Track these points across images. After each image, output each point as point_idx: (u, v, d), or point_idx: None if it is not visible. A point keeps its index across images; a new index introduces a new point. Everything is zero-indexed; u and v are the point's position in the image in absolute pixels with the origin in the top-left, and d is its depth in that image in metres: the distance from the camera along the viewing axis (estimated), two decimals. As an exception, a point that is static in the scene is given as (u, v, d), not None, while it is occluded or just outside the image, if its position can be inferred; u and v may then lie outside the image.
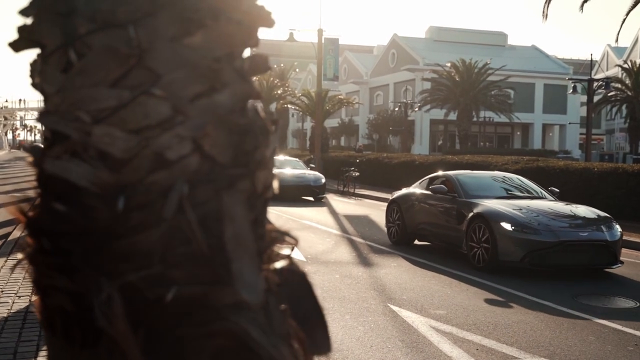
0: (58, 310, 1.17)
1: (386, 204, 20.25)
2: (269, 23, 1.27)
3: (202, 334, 1.13)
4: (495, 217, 8.67)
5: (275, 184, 1.26)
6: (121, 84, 1.10)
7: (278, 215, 14.93)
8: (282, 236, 1.28)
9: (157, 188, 1.11)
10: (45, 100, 1.19)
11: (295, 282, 1.34)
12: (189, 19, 1.14)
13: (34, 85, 1.19)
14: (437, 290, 7.12)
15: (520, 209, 8.89)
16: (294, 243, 1.28)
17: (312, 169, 22.20)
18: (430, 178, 11.34)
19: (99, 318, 1.08)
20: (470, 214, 9.09)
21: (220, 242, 1.12)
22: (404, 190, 11.80)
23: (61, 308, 1.16)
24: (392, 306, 6.23)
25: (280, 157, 23.84)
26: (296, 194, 20.00)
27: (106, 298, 1.08)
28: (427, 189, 10.93)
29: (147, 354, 1.10)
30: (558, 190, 11.04)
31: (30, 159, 1.18)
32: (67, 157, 1.11)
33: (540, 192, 10.60)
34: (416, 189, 11.36)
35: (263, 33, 1.29)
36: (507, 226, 8.46)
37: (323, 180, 20.67)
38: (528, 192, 10.59)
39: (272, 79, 44.53)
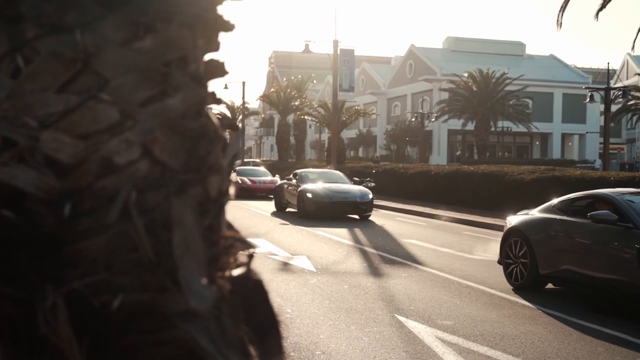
0: (5, 317, 1.16)
1: (401, 214, 20.36)
2: (227, 28, 1.26)
3: (150, 341, 1.11)
4: None
5: (232, 190, 1.24)
6: (69, 89, 1.09)
7: (293, 227, 14.91)
8: (239, 243, 1.26)
9: (105, 194, 1.09)
10: (-2, 107, 1.18)
11: (251, 290, 1.31)
12: (137, 23, 1.13)
13: (-13, 91, 1.18)
14: (445, 301, 7.05)
15: None
16: (252, 250, 1.26)
17: (356, 182, 19.41)
18: (572, 199, 8.21)
19: (42, 325, 1.07)
20: None
21: (168, 249, 1.10)
22: (529, 215, 8.54)
23: (8, 315, 1.15)
24: (399, 317, 6.18)
25: (319, 170, 21.90)
26: (340, 211, 17.34)
27: (51, 305, 1.07)
28: (573, 214, 7.84)
29: (93, 362, 1.09)
30: None
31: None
32: (15, 163, 1.10)
33: None
34: (550, 213, 8.14)
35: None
36: None
37: (370, 196, 17.71)
38: None
39: (289, 90, 44.65)
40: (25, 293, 1.11)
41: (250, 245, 1.28)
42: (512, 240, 8.33)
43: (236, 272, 1.23)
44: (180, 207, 1.14)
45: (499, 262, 8.62)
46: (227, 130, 1.31)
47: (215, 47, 1.28)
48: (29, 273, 1.10)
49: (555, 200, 8.43)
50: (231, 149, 1.27)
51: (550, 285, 7.91)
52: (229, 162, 1.25)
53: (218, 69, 1.31)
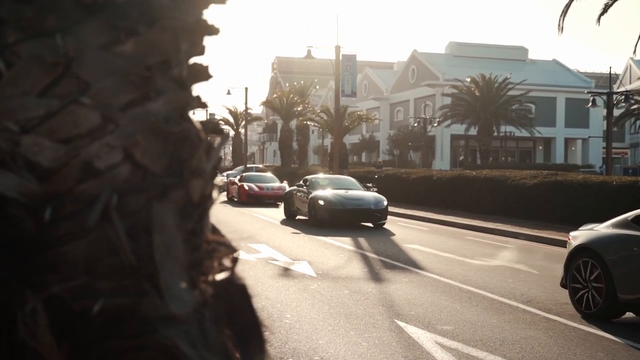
0: (-15, 322, 1.15)
1: (403, 219, 20.25)
2: (212, 31, 1.26)
3: (131, 346, 1.10)
4: None
5: (216, 194, 1.24)
6: (50, 93, 1.09)
7: (296, 233, 14.90)
8: (223, 247, 1.26)
9: (86, 198, 1.09)
10: (-21, 111, 1.18)
11: (235, 294, 1.30)
12: (119, 27, 1.12)
13: (-31, 95, 1.18)
14: (446, 306, 7.03)
15: None
16: (236, 254, 1.26)
17: (367, 188, 18.49)
18: None
19: (22, 330, 1.07)
20: None
21: (149, 253, 1.10)
22: (598, 231, 7.26)
23: (-12, 320, 1.15)
24: (398, 322, 6.16)
25: (330, 176, 21.08)
26: (353, 219, 16.38)
27: (31, 310, 1.07)
28: None
29: (73, 367, 1.08)
30: None
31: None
32: (-4, 168, 1.10)
33: None
34: (628, 229, 6.88)
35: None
36: None
37: (385, 203, 16.72)
38: None
39: (291, 96, 44.79)
40: (4, 297, 1.10)
41: (234, 249, 1.27)
42: (581, 261, 7.08)
43: (219, 276, 1.22)
44: (161, 211, 1.13)
45: (563, 284, 7.38)
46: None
47: (200, 50, 1.27)
48: (9, 277, 1.09)
49: (630, 214, 7.16)
50: (215, 153, 1.26)
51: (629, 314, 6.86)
52: (212, 166, 1.25)
53: (202, 73, 1.31)
